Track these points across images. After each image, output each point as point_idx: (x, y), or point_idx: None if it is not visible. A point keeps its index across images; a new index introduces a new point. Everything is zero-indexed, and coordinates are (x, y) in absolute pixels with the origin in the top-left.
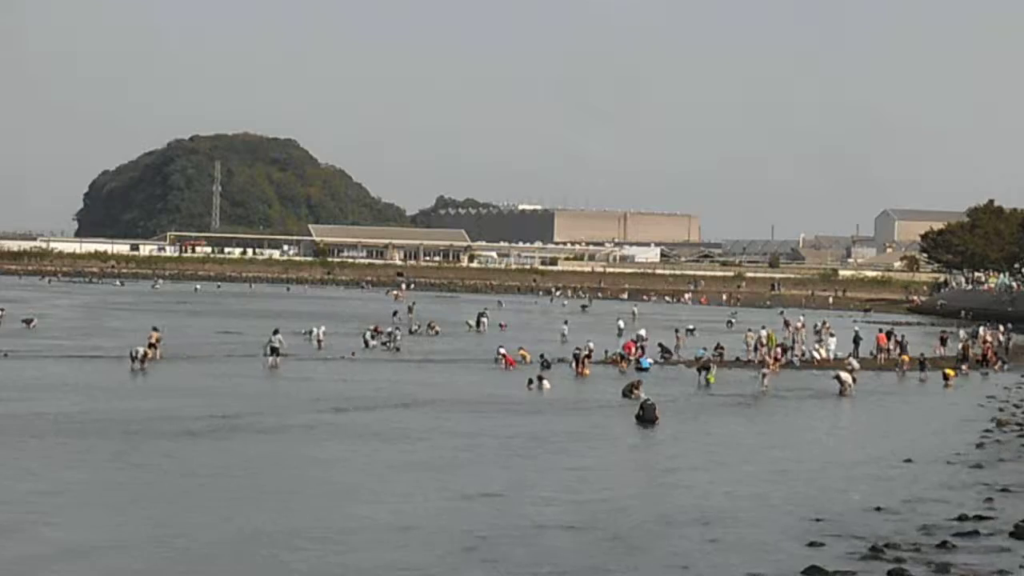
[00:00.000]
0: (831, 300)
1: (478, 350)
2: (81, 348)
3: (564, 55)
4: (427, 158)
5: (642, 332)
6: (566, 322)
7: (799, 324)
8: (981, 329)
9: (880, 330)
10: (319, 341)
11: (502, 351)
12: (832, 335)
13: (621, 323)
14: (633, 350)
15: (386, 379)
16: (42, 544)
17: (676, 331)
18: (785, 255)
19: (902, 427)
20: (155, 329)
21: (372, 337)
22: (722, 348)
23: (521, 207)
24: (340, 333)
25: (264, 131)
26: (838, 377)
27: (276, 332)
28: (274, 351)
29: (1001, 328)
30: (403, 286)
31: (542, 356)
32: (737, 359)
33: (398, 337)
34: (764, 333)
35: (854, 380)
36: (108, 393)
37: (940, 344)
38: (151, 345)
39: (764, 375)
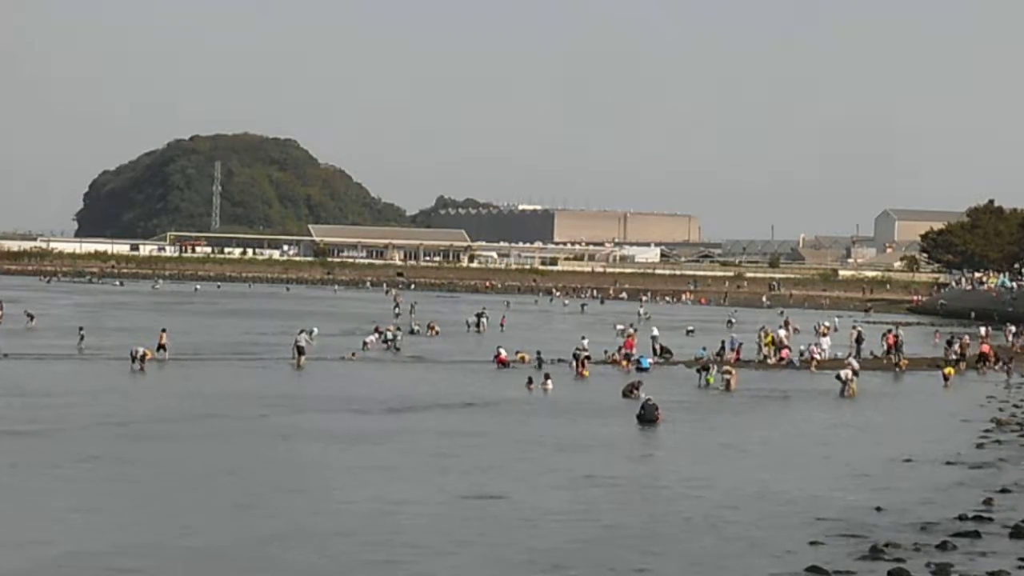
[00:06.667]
0: (804, 299)
1: (478, 350)
2: (80, 348)
3: (564, 55)
4: (427, 158)
5: (655, 332)
6: (626, 325)
7: (798, 326)
8: (983, 330)
9: (886, 331)
10: (365, 344)
11: (502, 352)
12: (826, 335)
13: (620, 326)
14: (633, 348)
15: (387, 380)
16: (42, 546)
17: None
18: (785, 255)
19: (902, 427)
20: (164, 331)
21: (392, 337)
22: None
23: (521, 207)
24: (339, 333)
25: (264, 131)
26: (838, 376)
27: (302, 331)
28: (299, 350)
29: (1014, 329)
30: (387, 283)
31: (538, 354)
32: (738, 359)
33: (398, 337)
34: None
35: (855, 380)
36: (114, 394)
37: (947, 347)
38: (160, 346)
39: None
